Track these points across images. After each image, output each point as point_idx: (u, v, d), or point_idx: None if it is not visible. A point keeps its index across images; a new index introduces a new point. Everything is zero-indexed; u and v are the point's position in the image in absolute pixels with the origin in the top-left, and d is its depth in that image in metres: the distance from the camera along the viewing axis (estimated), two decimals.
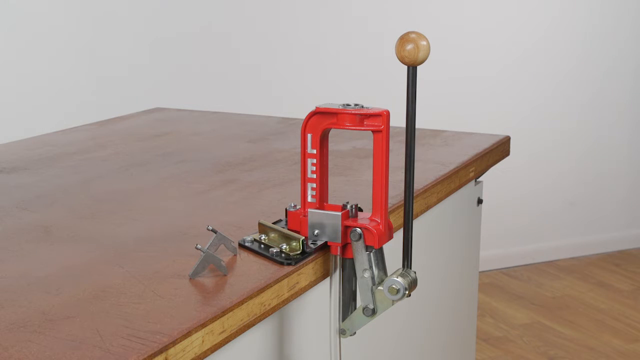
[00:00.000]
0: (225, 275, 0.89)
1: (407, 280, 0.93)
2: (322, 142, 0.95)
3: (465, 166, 1.40)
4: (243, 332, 0.84)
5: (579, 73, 3.53)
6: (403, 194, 0.95)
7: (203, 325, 0.78)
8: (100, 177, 1.34)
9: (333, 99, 1.50)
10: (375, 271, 0.94)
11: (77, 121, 2.00)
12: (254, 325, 0.86)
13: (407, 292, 0.92)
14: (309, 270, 0.94)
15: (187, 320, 0.78)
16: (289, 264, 0.92)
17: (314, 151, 0.95)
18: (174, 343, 0.74)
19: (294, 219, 0.99)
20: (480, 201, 1.60)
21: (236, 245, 0.98)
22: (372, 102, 1.05)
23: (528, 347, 2.77)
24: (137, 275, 0.90)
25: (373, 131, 0.92)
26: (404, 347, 1.35)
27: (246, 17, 3.00)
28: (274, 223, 1.01)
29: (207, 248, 0.91)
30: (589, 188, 3.65)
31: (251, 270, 0.91)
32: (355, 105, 0.93)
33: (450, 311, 1.56)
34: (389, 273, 0.94)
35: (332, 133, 1.42)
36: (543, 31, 3.44)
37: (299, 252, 0.94)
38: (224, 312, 0.81)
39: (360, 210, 0.97)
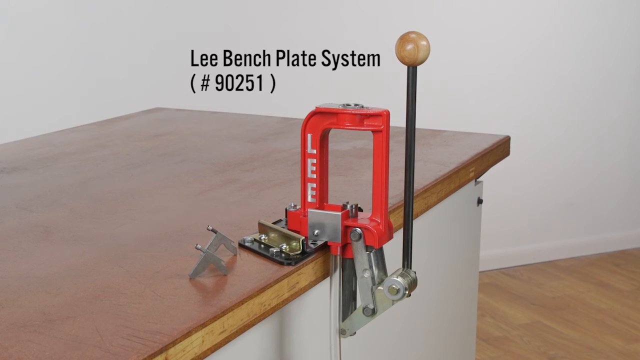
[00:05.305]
0: (225, 275, 0.89)
1: (407, 280, 0.93)
2: (322, 142, 0.95)
3: (465, 166, 1.40)
4: (243, 332, 0.84)
5: (578, 73, 3.53)
6: (403, 194, 0.94)
7: (203, 325, 0.78)
8: (100, 177, 1.34)
9: (333, 99, 1.50)
10: (375, 271, 0.94)
11: (77, 121, 2.00)
12: (254, 325, 0.86)
13: (407, 292, 0.92)
14: (309, 270, 0.94)
15: (187, 320, 0.78)
16: (289, 264, 0.92)
17: (314, 151, 0.95)
18: (174, 343, 0.74)
19: (294, 219, 0.99)
20: (480, 201, 1.60)
21: (236, 245, 0.98)
22: (372, 102, 1.05)
23: (528, 347, 2.77)
24: (137, 275, 0.90)
25: (373, 131, 0.92)
26: (404, 347, 1.35)
27: (246, 17, 3.00)
28: (274, 223, 1.01)
29: (207, 248, 0.91)
30: (589, 188, 3.65)
31: (251, 270, 0.91)
32: (355, 105, 0.93)
33: (450, 311, 1.56)
34: (389, 273, 0.94)
35: (332, 133, 1.42)
36: (543, 31, 3.44)
37: (299, 252, 0.94)
38: (224, 312, 0.81)
39: (360, 210, 0.96)
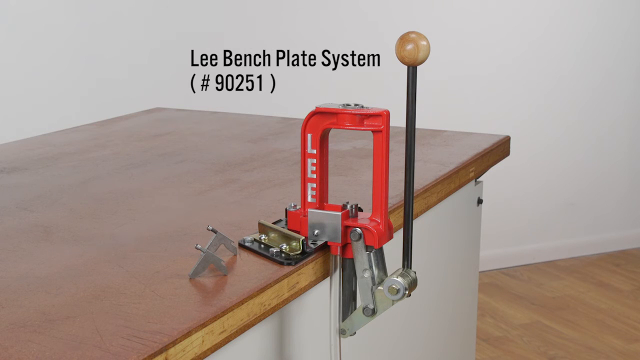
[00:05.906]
0: (225, 275, 0.89)
1: (407, 280, 0.93)
2: (322, 142, 0.95)
3: (465, 166, 1.40)
4: (243, 332, 0.84)
5: (578, 73, 3.53)
6: (403, 194, 0.94)
7: (203, 325, 0.78)
8: (100, 177, 1.34)
9: (333, 99, 1.50)
10: (375, 271, 0.94)
11: (77, 121, 2.00)
12: (254, 325, 0.86)
13: (407, 292, 0.92)
14: (309, 270, 0.94)
15: (187, 320, 0.78)
16: (289, 264, 0.92)
17: (314, 151, 0.95)
18: (174, 343, 0.74)
19: (294, 219, 0.99)
20: (480, 201, 1.60)
21: (236, 245, 0.98)
22: (372, 102, 1.05)
23: (528, 347, 2.77)
24: (137, 275, 0.90)
25: (373, 131, 0.92)
26: (404, 347, 1.35)
27: (246, 17, 3.00)
28: (274, 223, 1.01)
29: (207, 248, 0.91)
30: (589, 188, 3.65)
31: (251, 270, 0.91)
32: (355, 105, 0.93)
33: (450, 311, 1.56)
34: (389, 273, 0.94)
35: (332, 133, 1.42)
36: (543, 31, 3.44)
37: (299, 252, 0.94)
38: (224, 312, 0.81)
39: (360, 210, 0.97)
